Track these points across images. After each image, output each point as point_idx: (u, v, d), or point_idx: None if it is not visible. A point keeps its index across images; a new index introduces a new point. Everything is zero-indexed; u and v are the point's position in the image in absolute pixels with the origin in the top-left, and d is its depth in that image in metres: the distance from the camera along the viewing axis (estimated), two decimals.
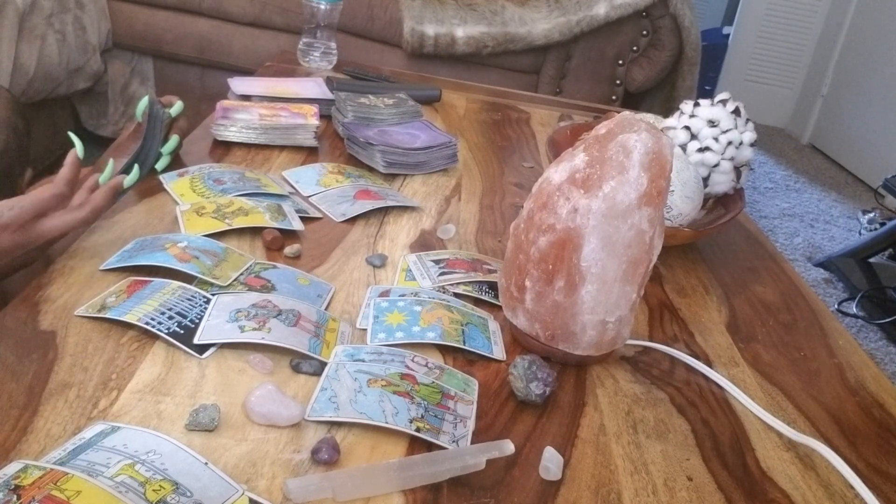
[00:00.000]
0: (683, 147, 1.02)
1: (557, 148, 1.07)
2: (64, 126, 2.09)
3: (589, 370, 0.73)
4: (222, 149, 1.05)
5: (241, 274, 0.74)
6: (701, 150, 1.01)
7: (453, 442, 0.58)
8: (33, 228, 0.71)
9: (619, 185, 0.65)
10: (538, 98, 1.70)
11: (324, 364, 0.64)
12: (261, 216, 0.84)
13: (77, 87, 1.95)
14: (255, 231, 0.84)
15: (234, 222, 0.82)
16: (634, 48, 2.05)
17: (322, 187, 0.98)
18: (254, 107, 1.13)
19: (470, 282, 0.81)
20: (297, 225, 0.86)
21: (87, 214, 0.73)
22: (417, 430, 0.58)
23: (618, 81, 2.08)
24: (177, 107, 0.98)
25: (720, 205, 1.07)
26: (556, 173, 0.69)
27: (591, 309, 0.68)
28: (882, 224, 2.69)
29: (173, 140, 0.96)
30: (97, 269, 0.73)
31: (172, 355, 0.63)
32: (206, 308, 0.67)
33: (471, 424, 0.61)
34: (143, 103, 0.95)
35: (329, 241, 0.87)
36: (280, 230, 0.83)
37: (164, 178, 0.92)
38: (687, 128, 1.02)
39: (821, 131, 3.83)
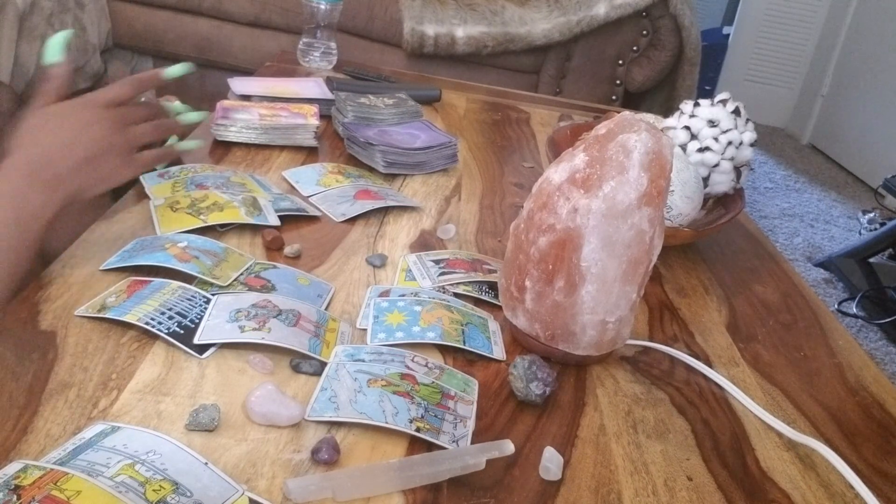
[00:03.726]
0: (683, 147, 1.02)
1: (557, 148, 1.07)
2: None
3: (589, 370, 0.73)
4: (222, 149, 1.05)
5: (241, 274, 0.74)
6: (701, 150, 1.01)
7: (453, 442, 0.58)
8: (134, 159, 0.75)
9: (619, 185, 0.65)
10: (538, 98, 1.70)
11: (324, 364, 0.64)
12: (236, 211, 0.84)
13: (77, 87, 1.95)
14: (255, 231, 0.84)
15: (210, 218, 0.81)
16: (634, 48, 2.05)
17: (322, 187, 0.98)
18: (254, 107, 1.13)
19: (470, 282, 0.81)
20: (273, 220, 0.85)
21: (156, 159, 0.78)
22: (417, 430, 0.58)
23: (618, 81, 2.08)
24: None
25: (720, 205, 1.07)
26: (556, 173, 0.69)
27: (591, 309, 0.68)
28: (882, 224, 2.69)
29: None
30: (97, 269, 0.73)
31: (172, 355, 0.63)
32: (206, 308, 0.67)
33: (471, 424, 0.61)
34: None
35: (329, 241, 0.87)
36: (257, 226, 0.83)
37: (146, 180, 0.89)
38: (687, 128, 1.02)
39: (821, 131, 3.83)
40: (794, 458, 0.66)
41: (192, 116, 0.86)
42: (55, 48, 0.74)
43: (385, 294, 0.76)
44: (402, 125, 1.17)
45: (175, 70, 0.80)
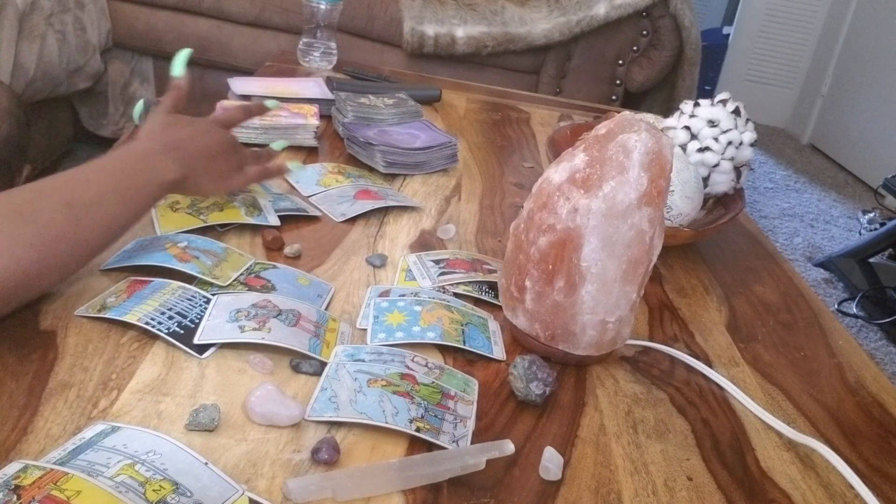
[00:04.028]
0: (683, 147, 1.02)
1: (557, 148, 1.07)
2: (64, 126, 2.09)
3: (589, 370, 0.73)
4: None
5: (241, 274, 0.74)
6: (701, 150, 1.01)
7: (453, 442, 0.58)
8: (243, 172, 0.83)
9: (619, 185, 0.65)
10: (538, 98, 1.70)
11: (324, 364, 0.64)
12: (236, 211, 0.84)
13: (77, 87, 1.95)
14: (255, 231, 0.84)
15: (210, 218, 0.82)
16: (634, 48, 2.05)
17: (322, 187, 0.98)
18: None
19: (470, 282, 0.81)
20: (273, 220, 0.86)
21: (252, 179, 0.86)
22: (417, 430, 0.58)
23: (618, 81, 2.08)
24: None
25: (720, 205, 1.07)
26: (556, 173, 0.69)
27: (591, 309, 0.68)
28: (882, 224, 2.69)
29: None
30: (97, 269, 0.73)
31: (172, 355, 0.63)
32: (206, 308, 0.67)
33: (471, 424, 0.61)
34: (140, 107, 0.95)
35: (329, 241, 0.87)
36: (257, 226, 0.83)
37: None
38: (687, 128, 1.02)
39: (821, 131, 3.83)
40: (794, 458, 0.66)
41: (279, 144, 0.97)
42: (179, 63, 0.83)
43: (385, 294, 0.76)
44: (402, 125, 1.17)
45: (272, 102, 0.92)
